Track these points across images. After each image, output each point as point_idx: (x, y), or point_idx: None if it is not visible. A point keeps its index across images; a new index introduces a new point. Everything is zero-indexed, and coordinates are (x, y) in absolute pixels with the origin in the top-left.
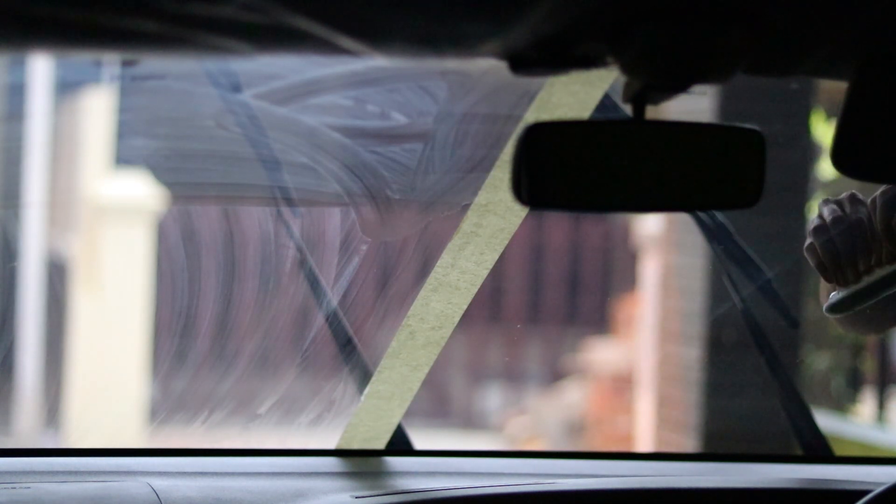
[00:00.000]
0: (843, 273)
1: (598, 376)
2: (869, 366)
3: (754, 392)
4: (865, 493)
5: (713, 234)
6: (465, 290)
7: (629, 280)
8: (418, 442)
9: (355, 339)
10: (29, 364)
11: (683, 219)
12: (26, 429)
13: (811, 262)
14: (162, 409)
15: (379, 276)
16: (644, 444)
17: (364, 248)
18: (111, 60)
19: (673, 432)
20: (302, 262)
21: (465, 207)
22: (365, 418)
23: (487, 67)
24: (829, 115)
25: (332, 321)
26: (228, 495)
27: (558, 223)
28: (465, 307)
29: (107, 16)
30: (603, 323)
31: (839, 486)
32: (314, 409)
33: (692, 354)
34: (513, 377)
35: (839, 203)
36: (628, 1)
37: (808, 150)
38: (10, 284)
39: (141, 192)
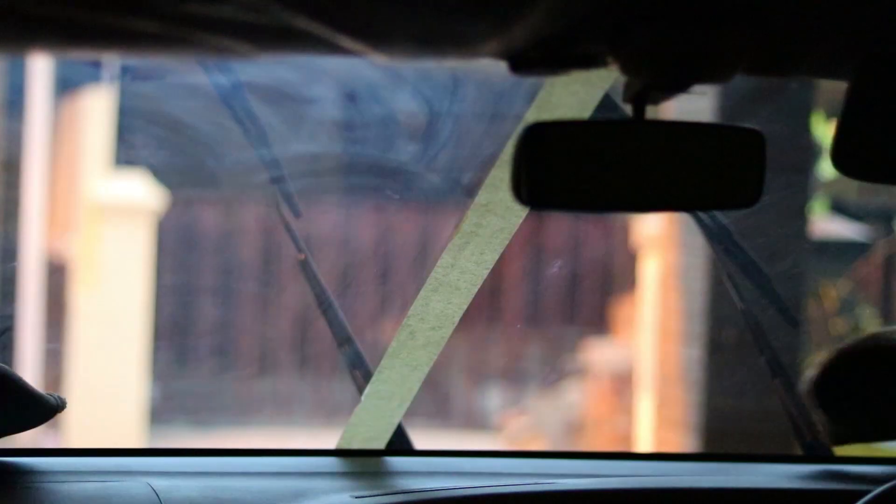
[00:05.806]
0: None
1: (598, 376)
2: None
3: (754, 392)
4: (865, 493)
5: (713, 234)
6: (465, 290)
7: (629, 280)
8: (418, 442)
9: (355, 339)
10: (29, 364)
11: (683, 219)
12: None
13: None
14: (162, 409)
15: (379, 276)
16: (644, 444)
17: (364, 248)
18: (111, 60)
19: (673, 432)
20: (302, 263)
21: (465, 207)
22: (365, 418)
23: (487, 67)
24: (829, 115)
25: (332, 321)
26: (228, 495)
27: (558, 223)
28: (465, 307)
29: (107, 16)
30: (603, 323)
31: (839, 486)
32: (314, 409)
33: (692, 354)
34: (513, 377)
35: None
36: (628, 1)
37: (809, 150)
38: (10, 284)
39: (141, 192)
